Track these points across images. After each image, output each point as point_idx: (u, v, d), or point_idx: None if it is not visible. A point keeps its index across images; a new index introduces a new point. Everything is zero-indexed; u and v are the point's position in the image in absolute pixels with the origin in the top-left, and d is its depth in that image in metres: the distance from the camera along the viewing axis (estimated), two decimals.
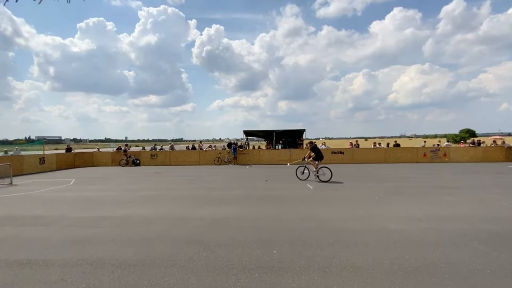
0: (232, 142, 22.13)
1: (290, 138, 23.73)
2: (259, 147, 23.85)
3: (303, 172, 11.22)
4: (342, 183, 10.24)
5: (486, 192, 8.14)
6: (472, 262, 3.59)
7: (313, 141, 12.39)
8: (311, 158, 11.01)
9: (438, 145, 19.12)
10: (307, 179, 10.94)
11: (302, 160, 11.65)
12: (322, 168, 10.84)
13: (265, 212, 6.32)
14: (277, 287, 3.10)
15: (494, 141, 18.84)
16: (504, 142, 18.66)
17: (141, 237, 4.77)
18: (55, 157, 18.01)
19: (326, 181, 10.39)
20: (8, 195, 9.10)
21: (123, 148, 20.04)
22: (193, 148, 21.56)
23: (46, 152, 21.18)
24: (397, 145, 19.83)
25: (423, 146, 18.66)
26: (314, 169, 10.93)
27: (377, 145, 20.48)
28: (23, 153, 19.17)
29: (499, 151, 17.72)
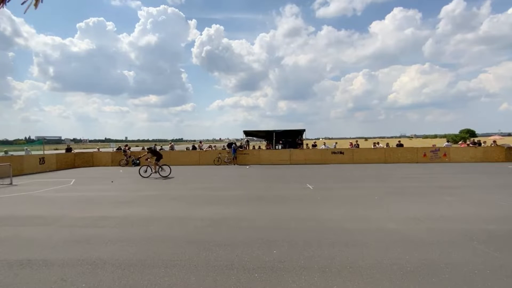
0: (232, 142, 22.14)
1: (290, 138, 23.71)
2: (259, 147, 23.83)
3: (145, 171, 12.90)
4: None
5: (486, 192, 8.14)
6: (472, 262, 3.59)
7: (155, 144, 15.31)
8: (150, 159, 13.09)
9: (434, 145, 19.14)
10: (150, 176, 12.66)
11: (145, 160, 13.50)
12: (163, 166, 12.94)
13: (265, 212, 6.32)
14: (277, 287, 3.10)
15: (494, 141, 18.85)
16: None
17: (141, 237, 4.77)
18: (55, 157, 18.00)
19: (166, 176, 12.54)
20: (8, 195, 9.10)
21: (122, 149, 20.06)
22: (193, 148, 21.57)
23: (46, 152, 21.17)
24: (400, 145, 19.52)
25: (445, 147, 18.59)
26: (156, 167, 12.86)
27: (377, 145, 20.41)
28: (22, 153, 19.17)
29: (499, 151, 17.71)
